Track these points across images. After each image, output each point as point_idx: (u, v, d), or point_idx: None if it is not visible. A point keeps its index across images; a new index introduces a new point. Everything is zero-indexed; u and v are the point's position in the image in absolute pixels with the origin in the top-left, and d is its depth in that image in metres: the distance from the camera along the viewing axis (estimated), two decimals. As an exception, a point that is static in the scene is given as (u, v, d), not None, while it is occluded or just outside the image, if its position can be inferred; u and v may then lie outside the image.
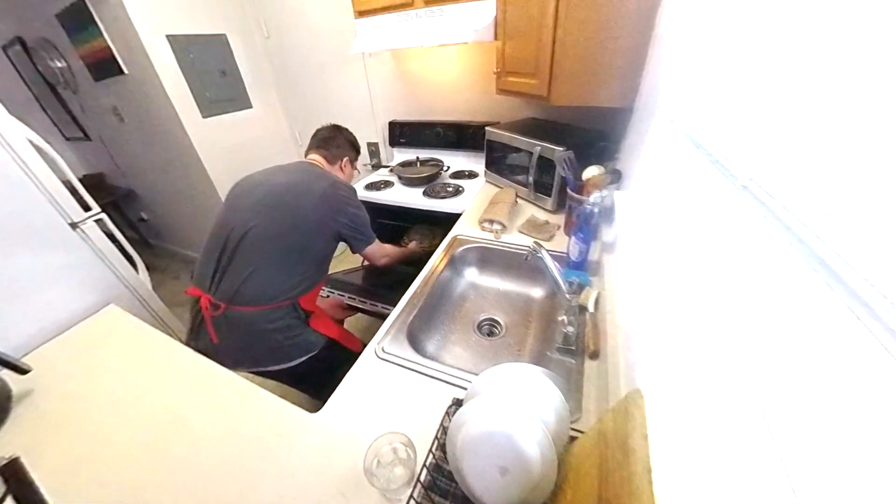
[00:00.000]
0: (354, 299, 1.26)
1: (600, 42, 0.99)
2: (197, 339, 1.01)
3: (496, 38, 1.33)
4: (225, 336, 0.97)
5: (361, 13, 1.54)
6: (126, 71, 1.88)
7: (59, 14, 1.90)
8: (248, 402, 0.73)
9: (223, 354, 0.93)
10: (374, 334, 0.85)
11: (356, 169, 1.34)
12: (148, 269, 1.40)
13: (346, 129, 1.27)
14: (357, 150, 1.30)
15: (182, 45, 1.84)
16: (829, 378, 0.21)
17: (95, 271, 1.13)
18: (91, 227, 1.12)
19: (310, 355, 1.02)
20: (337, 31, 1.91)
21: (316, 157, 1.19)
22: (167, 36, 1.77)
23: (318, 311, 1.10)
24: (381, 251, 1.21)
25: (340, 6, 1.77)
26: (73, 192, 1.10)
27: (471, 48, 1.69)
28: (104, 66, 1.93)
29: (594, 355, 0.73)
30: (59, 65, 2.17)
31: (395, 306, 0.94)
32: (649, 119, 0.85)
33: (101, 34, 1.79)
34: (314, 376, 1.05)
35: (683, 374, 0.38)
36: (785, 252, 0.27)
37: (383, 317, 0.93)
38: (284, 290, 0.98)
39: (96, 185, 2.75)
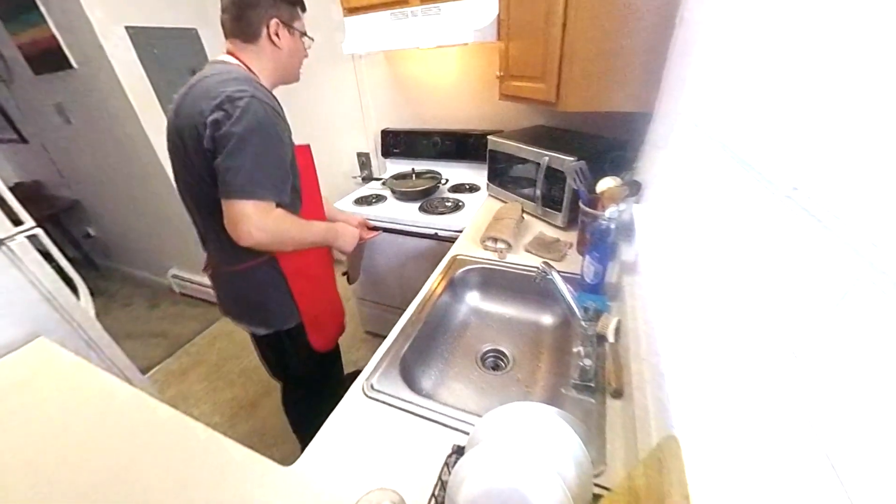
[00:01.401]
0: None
1: (615, 40, 1.02)
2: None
3: (499, 38, 1.37)
4: (219, 292, 1.08)
5: (351, 10, 1.59)
6: (75, 65, 1.86)
7: (-10, -4, 1.84)
8: (207, 455, 0.70)
9: (225, 307, 1.09)
10: (360, 369, 0.82)
11: (303, 33, 0.95)
12: (92, 294, 1.37)
13: None
14: (293, 1, 0.92)
15: (145, 39, 1.84)
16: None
17: (22, 297, 1.08)
18: (21, 245, 1.08)
19: (288, 327, 1.05)
20: (324, 30, 1.96)
21: (230, 46, 0.91)
22: (127, 28, 1.78)
23: (307, 274, 1.04)
24: (264, 219, 0.81)
25: (328, 2, 1.83)
26: (1, 202, 1.08)
27: (471, 50, 1.74)
28: (47, 59, 1.89)
29: (617, 393, 0.71)
30: (-12, 52, 2.09)
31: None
32: (671, 124, 0.85)
33: (44, 21, 1.75)
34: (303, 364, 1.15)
35: (728, 417, 0.36)
36: (845, 270, 0.26)
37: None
38: (243, 250, 0.86)
39: (32, 195, 2.70)
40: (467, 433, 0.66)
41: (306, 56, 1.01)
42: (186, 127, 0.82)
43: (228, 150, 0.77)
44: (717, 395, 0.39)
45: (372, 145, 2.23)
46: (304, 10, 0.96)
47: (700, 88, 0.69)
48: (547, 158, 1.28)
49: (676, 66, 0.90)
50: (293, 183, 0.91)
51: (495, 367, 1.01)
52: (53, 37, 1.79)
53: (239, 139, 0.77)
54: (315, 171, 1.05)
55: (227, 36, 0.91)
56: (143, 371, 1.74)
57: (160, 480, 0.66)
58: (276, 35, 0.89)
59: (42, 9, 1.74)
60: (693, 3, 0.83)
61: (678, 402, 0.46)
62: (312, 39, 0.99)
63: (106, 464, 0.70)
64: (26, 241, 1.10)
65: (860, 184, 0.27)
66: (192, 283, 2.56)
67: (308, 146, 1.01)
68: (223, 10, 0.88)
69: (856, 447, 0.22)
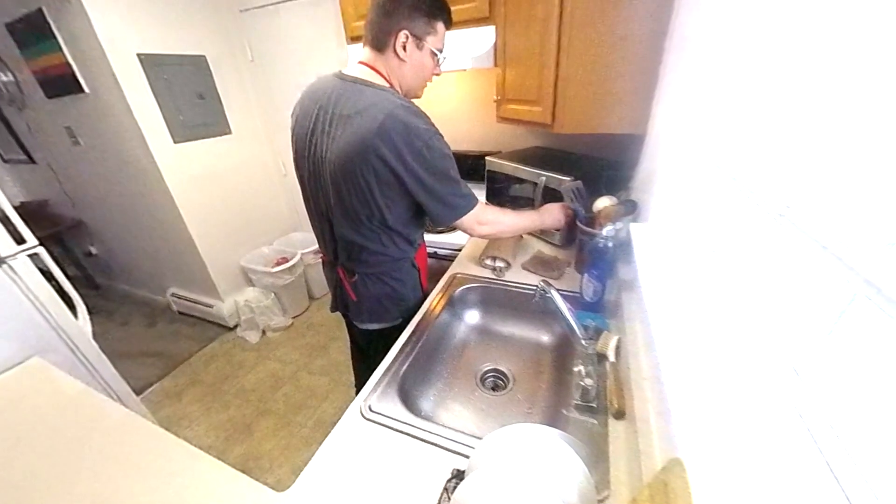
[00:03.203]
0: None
1: (607, 66, 1.05)
2: (336, 300, 1.15)
3: (496, 64, 1.40)
4: (362, 295, 1.06)
5: (354, 39, 1.63)
6: (86, 89, 1.91)
7: (11, 24, 1.92)
8: (198, 479, 0.67)
9: (360, 310, 1.09)
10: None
11: (430, 47, 0.89)
12: (91, 312, 1.35)
13: None
14: (430, 13, 0.86)
15: (155, 66, 1.90)
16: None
17: (19, 316, 1.07)
18: (23, 263, 1.08)
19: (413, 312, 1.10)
20: (327, 57, 2.01)
21: (366, 57, 0.90)
22: (138, 55, 1.83)
23: (426, 263, 1.16)
24: (483, 219, 1.01)
25: (331, 31, 1.88)
26: (6, 221, 1.07)
27: (469, 75, 1.78)
28: (60, 83, 1.95)
29: (619, 414, 0.69)
30: (3, 78, 2.18)
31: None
32: (665, 145, 0.87)
33: (59, 48, 1.81)
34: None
35: (734, 438, 0.35)
36: (840, 288, 0.26)
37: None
38: (392, 256, 1.01)
39: (36, 213, 2.70)
40: (467, 456, 0.65)
41: (437, 74, 0.98)
42: (354, 160, 0.84)
43: (437, 192, 0.89)
44: (722, 415, 0.38)
45: (372, 166, 2.25)
46: (448, 25, 0.90)
47: (690, 111, 0.71)
48: (544, 178, 1.29)
49: (667, 89, 0.93)
50: None
51: (495, 388, 0.99)
52: (66, 63, 1.85)
53: (437, 180, 0.88)
54: None
55: (364, 43, 0.91)
56: (138, 392, 1.71)
57: (150, 506, 0.64)
58: (403, 48, 0.86)
59: (58, 37, 1.80)
60: (679, 32, 0.86)
61: (682, 424, 0.46)
62: (441, 55, 0.93)
63: (93, 486, 0.67)
64: (27, 259, 1.10)
65: (852, 200, 0.27)
66: (190, 301, 2.53)
67: None
68: (367, 16, 0.88)
69: (865, 467, 0.22)
